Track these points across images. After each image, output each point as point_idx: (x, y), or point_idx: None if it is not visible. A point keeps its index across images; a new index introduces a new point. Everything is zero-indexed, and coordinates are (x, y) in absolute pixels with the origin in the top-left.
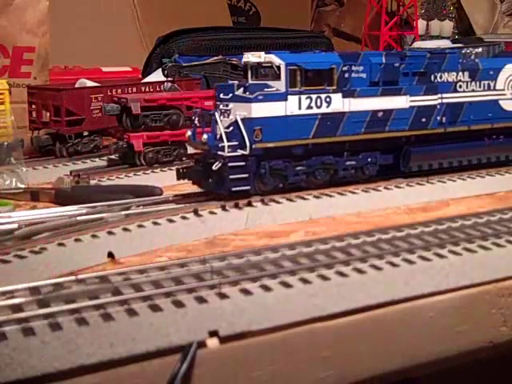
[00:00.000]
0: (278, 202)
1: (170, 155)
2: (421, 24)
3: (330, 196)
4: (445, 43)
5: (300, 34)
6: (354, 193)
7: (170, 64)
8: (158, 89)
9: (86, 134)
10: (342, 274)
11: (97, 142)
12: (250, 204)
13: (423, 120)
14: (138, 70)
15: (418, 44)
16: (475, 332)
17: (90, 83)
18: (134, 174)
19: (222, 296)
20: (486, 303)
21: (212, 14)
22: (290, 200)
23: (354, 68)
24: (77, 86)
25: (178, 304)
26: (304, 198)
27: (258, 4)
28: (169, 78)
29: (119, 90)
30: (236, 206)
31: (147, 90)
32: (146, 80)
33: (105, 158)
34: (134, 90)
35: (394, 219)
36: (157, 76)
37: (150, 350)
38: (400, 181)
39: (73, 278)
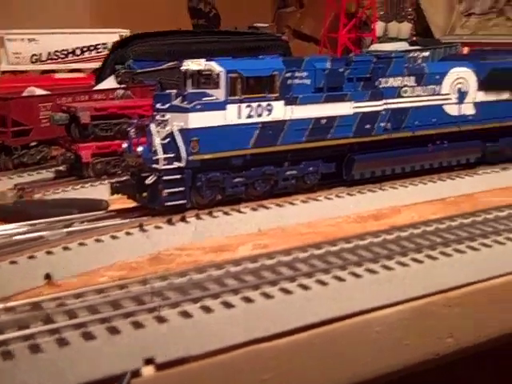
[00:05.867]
0: (227, 214)
1: (120, 166)
2: (379, 26)
3: (280, 206)
4: (402, 45)
5: (258, 37)
6: (304, 202)
7: (124, 70)
8: (111, 96)
9: (33, 144)
10: (286, 291)
11: (44, 153)
12: (197, 216)
13: (367, 126)
14: (91, 76)
15: (375, 46)
16: (422, 344)
17: (39, 91)
18: (82, 187)
19: (161, 320)
20: (432, 314)
21: (172, 17)
22: (239, 211)
23: (297, 74)
24: (25, 94)
25: (113, 331)
26: (253, 209)
27: (219, 6)
28: (122, 85)
29: (70, 99)
30: (183, 219)
31: (99, 97)
32: (99, 87)
33: (52, 169)
34: (86, 97)
35: (345, 228)
36: (110, 83)
37: None
38: (352, 188)
39: (1, 306)
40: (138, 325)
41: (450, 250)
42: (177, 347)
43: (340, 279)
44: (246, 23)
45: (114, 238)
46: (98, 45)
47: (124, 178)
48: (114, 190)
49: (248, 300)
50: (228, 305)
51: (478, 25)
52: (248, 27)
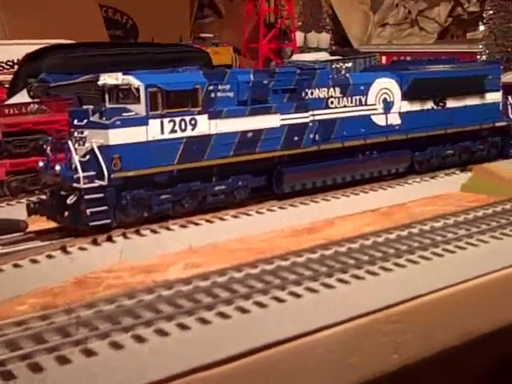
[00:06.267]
0: (155, 232)
1: (38, 183)
2: (299, 36)
3: (211, 222)
4: (323, 55)
5: (178, 48)
6: (235, 217)
7: (36, 84)
8: (24, 111)
9: None
10: (224, 315)
11: None
12: (124, 236)
13: (295, 139)
14: (2, 90)
15: (297, 56)
16: (366, 363)
17: None
18: None
19: (89, 353)
20: (376, 332)
21: (86, 28)
22: (168, 229)
23: (220, 87)
24: None
25: (36, 368)
26: (183, 226)
27: (136, 17)
28: (35, 100)
29: None
30: (109, 239)
31: (11, 112)
32: (11, 101)
33: None
34: None
35: (279, 244)
36: (22, 97)
37: None
38: (284, 201)
39: None
40: (63, 360)
41: (390, 265)
42: (108, 383)
43: (280, 300)
44: (164, 34)
45: (34, 262)
46: None
47: (42, 198)
48: (31, 211)
49: (183, 327)
50: (162, 332)
51: (393, 35)
52: (195, 37)
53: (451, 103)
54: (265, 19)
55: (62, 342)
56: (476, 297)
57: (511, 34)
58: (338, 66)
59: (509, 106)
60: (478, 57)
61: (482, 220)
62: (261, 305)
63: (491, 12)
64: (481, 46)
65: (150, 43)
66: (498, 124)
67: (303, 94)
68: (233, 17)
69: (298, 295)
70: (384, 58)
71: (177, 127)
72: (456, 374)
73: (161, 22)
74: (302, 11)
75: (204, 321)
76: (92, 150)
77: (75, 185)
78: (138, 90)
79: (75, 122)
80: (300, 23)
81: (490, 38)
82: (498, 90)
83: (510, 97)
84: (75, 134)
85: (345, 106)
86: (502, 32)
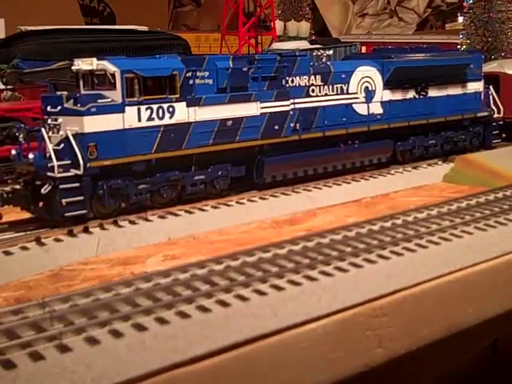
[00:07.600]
0: (133, 223)
1: (12, 172)
2: (278, 25)
3: (190, 212)
4: (303, 44)
5: (156, 35)
6: (215, 207)
7: (10, 70)
8: None
9: None
10: (203, 308)
11: None
12: (101, 227)
13: (276, 127)
14: None
15: (277, 45)
16: (350, 357)
17: None
18: None
19: (64, 349)
20: (360, 326)
21: (61, 14)
22: (146, 219)
23: (198, 74)
24: None
25: (8, 365)
26: (161, 217)
27: (113, 4)
28: (8, 86)
29: None
30: (85, 230)
31: None
32: None
33: None
34: None
35: (260, 235)
36: None
37: None
38: (264, 192)
39: None
40: (36, 357)
41: (374, 257)
42: (83, 381)
43: (261, 293)
44: (142, 22)
45: (7, 253)
46: None
47: (15, 188)
48: (4, 201)
49: (162, 321)
50: (140, 327)
51: (372, 25)
52: None
53: (433, 92)
54: (244, 8)
55: (36, 338)
56: (460, 289)
57: (492, 24)
58: (319, 53)
59: (490, 96)
60: (459, 47)
61: (465, 211)
62: (242, 298)
63: (471, 1)
64: (461, 36)
65: (128, 30)
66: (479, 114)
67: (283, 82)
68: (212, 5)
69: (279, 288)
70: (364, 49)
71: (154, 115)
72: (439, 367)
73: (138, 10)
74: (280, 0)
75: (184, 315)
76: (67, 137)
77: (50, 174)
78: (113, 75)
79: (48, 108)
80: (279, 12)
81: (471, 28)
82: (479, 80)
83: (491, 87)
84: (49, 121)
85: (326, 95)
86: (482, 22)
